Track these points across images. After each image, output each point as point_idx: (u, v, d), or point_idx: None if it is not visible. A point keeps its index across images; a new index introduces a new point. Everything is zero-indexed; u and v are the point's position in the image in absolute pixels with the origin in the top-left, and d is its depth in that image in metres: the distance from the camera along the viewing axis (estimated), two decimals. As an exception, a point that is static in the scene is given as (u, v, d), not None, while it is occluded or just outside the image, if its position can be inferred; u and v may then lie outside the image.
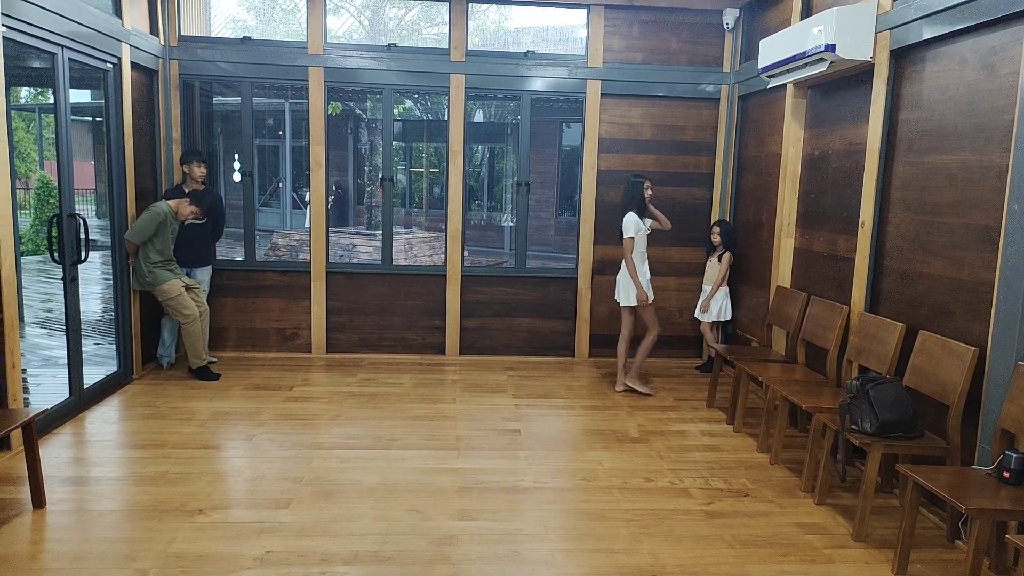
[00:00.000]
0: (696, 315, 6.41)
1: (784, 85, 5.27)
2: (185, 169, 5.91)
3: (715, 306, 6.22)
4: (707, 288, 6.29)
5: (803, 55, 4.51)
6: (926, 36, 3.83)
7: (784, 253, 5.45)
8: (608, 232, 6.74)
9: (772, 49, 4.99)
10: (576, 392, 5.82)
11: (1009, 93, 3.31)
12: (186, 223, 5.83)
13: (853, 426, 3.51)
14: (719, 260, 6.20)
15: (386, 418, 5.01)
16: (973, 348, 3.36)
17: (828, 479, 3.86)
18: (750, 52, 6.21)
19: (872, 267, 4.35)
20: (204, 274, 6.13)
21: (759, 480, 4.14)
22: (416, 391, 5.68)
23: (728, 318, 6.27)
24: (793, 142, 5.35)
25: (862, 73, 4.46)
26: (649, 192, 5.62)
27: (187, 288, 5.64)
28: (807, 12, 5.17)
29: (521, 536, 3.41)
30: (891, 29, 4.10)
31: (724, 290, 6.23)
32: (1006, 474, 2.96)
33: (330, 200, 7.43)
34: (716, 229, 6.25)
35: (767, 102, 5.93)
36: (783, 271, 5.46)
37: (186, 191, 5.88)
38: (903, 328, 3.89)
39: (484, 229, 17.16)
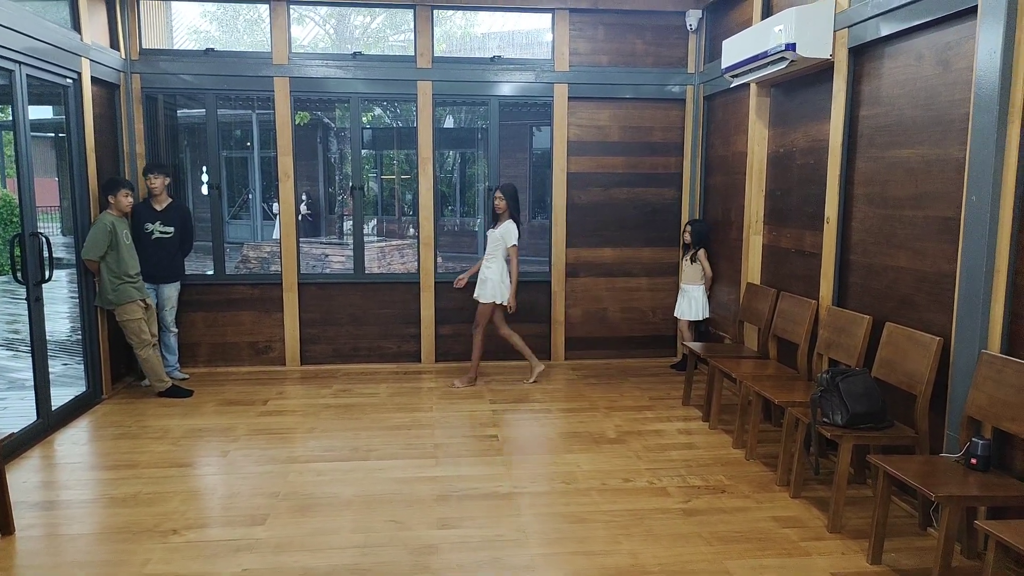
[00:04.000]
0: (675, 314, 6.49)
1: (748, 84, 5.34)
2: (146, 182, 5.83)
3: (695, 305, 6.28)
4: (686, 287, 6.35)
5: (765, 54, 4.58)
6: (883, 33, 3.91)
7: (753, 250, 5.51)
8: (581, 234, 6.77)
9: (735, 49, 5.05)
10: (552, 395, 5.82)
11: (964, 87, 3.39)
12: (153, 236, 5.75)
13: (824, 419, 3.56)
14: (691, 261, 6.27)
15: (363, 429, 4.98)
16: (938, 338, 3.43)
17: (803, 472, 3.91)
18: (714, 52, 6.28)
19: (838, 262, 4.42)
20: (172, 291, 6.01)
21: (735, 476, 4.18)
22: (392, 400, 5.65)
23: (704, 317, 6.33)
24: (758, 141, 5.41)
25: (823, 71, 4.53)
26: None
27: (146, 308, 5.56)
28: (768, 12, 5.24)
29: (501, 542, 3.40)
30: (849, 27, 4.18)
31: (702, 289, 6.30)
32: (973, 461, 3.03)
33: (300, 213, 7.36)
34: (688, 228, 6.32)
35: (732, 102, 5.99)
36: (752, 268, 5.52)
37: (154, 205, 5.81)
38: (870, 320, 3.96)
39: (457, 235, 17.14)
